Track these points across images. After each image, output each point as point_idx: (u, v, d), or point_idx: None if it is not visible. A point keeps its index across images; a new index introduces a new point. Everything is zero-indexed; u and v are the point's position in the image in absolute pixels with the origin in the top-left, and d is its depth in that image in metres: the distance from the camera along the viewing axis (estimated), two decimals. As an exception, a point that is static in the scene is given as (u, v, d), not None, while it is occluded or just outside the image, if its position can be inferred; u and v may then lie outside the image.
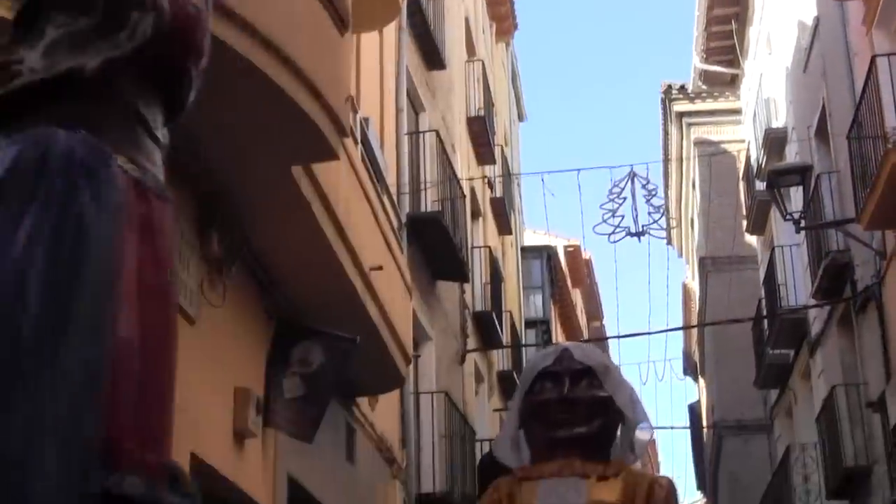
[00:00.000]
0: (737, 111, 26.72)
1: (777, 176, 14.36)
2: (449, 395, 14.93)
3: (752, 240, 25.27)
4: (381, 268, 8.78)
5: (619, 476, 3.39)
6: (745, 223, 23.87)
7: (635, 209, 14.54)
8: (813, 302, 17.05)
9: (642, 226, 14.48)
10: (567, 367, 3.46)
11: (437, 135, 15.44)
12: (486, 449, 17.35)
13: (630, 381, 3.69)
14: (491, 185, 22.17)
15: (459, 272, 15.88)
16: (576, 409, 3.40)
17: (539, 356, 3.67)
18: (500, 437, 3.67)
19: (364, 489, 10.96)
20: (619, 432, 3.56)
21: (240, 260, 6.98)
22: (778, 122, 20.46)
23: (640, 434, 3.58)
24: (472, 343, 18.29)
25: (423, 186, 14.95)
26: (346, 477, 10.13)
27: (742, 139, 25.65)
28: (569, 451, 3.39)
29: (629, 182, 14.53)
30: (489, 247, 20.48)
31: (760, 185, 19.59)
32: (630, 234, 14.44)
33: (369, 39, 12.08)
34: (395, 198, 13.01)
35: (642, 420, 3.58)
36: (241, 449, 7.07)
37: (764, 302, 20.70)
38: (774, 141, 19.86)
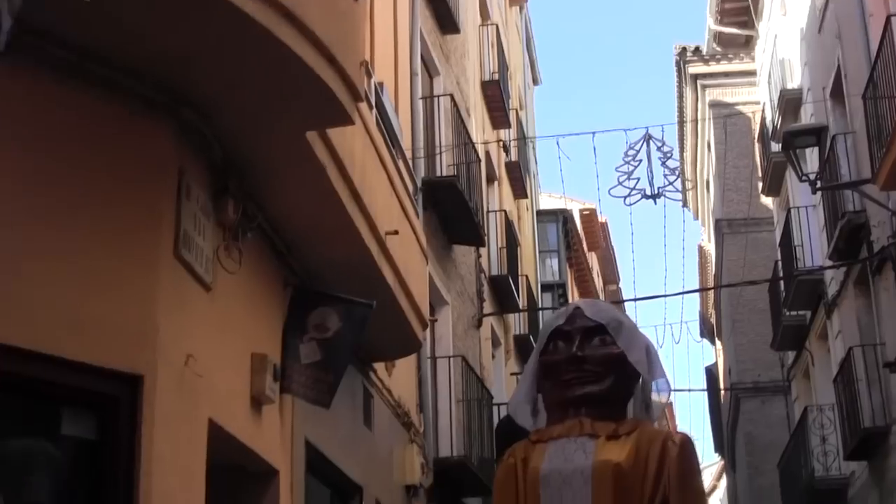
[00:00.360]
0: (751, 73, 26.57)
1: (792, 137, 14.27)
2: (465, 359, 14.95)
3: (767, 201, 25.19)
4: (396, 232, 8.76)
5: (631, 435, 3.27)
6: (760, 185, 23.78)
7: (651, 171, 14.45)
8: (829, 263, 17.00)
9: (658, 188, 14.41)
10: (578, 326, 3.38)
11: (452, 99, 15.39)
12: (504, 413, 17.41)
13: (647, 337, 3.56)
14: (506, 149, 22.10)
15: (475, 236, 15.85)
16: (586, 368, 3.32)
17: (553, 316, 3.56)
18: (517, 400, 3.55)
19: (382, 454, 11.00)
20: (637, 391, 3.47)
21: (255, 226, 6.98)
22: (793, 84, 20.34)
23: (657, 393, 3.48)
24: (488, 307, 18.29)
25: (437, 151, 14.91)
26: (363, 442, 10.17)
27: (757, 101, 25.51)
28: (580, 411, 3.32)
29: (644, 144, 14.44)
30: (504, 211, 20.44)
31: (776, 147, 19.49)
32: (645, 196, 14.38)
33: (383, 4, 12.02)
34: (410, 162, 12.98)
35: (659, 377, 3.46)
36: (258, 415, 7.10)
37: (780, 263, 20.64)
38: (789, 102, 19.75)
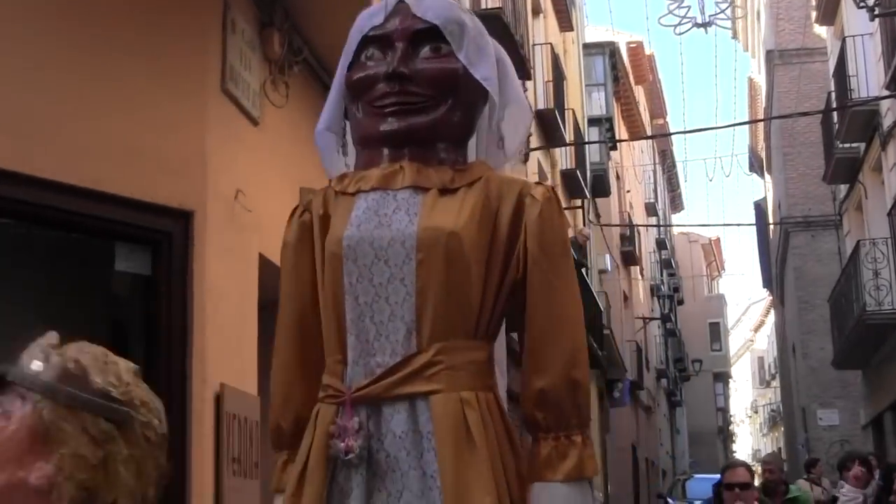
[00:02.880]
0: None
1: (850, -38, 13.84)
2: (513, 194, 14.89)
3: (821, 30, 24.63)
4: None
5: (473, 187, 2.34)
6: (814, 13, 23.22)
7: (702, -1, 14.16)
8: (886, 93, 16.65)
9: (709, 16, 14.12)
10: (401, 28, 2.39)
11: (497, -72, 15.02)
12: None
13: (499, 46, 2.52)
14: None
15: (521, 69, 15.63)
16: (411, 90, 2.34)
17: (367, 12, 2.49)
18: (319, 128, 2.56)
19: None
20: (482, 124, 2.50)
21: (301, 60, 6.87)
22: None
23: (511, 120, 2.51)
24: (534, 141, 18.17)
25: (483, -18, 14.61)
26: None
27: (812, -75, 24.73)
28: (401, 152, 2.36)
29: (696, -28, 14.08)
30: (550, 44, 20.14)
31: (832, -27, 18.96)
32: (696, 24, 14.11)
33: None
34: (455, -6, 12.72)
35: (513, 102, 2.51)
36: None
37: (834, 94, 20.28)
38: (847, -75, 19.14)
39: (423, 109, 2.35)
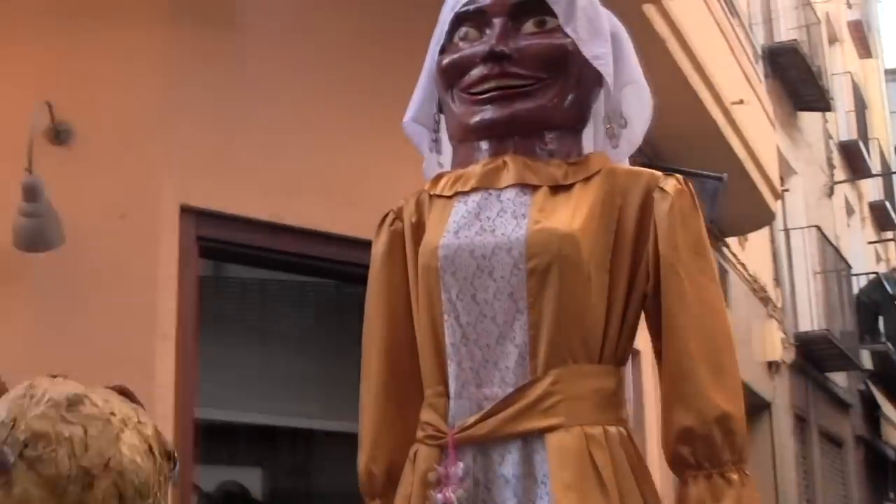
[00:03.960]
0: None
1: None
2: (820, 229, 14.41)
3: None
4: (742, 101, 8.46)
5: (591, 182, 1.96)
6: None
7: None
8: None
9: None
10: (499, 0, 2.00)
11: (787, -41, 14.68)
12: (863, 284, 16.72)
13: (615, 18, 2.13)
14: (849, 4, 20.99)
15: (821, 101, 15.15)
16: (513, 71, 1.97)
17: None
18: (407, 118, 2.16)
19: (740, 330, 10.79)
20: (598, 108, 2.10)
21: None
22: None
23: (630, 104, 2.11)
24: (839, 174, 17.54)
25: (775, 15, 14.29)
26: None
27: None
28: (504, 144, 1.99)
29: None
30: (850, 72, 19.44)
31: None
32: None
33: None
34: (748, 28, 12.50)
35: (631, 81, 2.10)
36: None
37: None
38: None
39: (529, 94, 1.96)
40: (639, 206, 1.93)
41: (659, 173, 1.98)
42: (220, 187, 4.47)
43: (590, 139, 2.09)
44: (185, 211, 4.35)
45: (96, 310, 4.11)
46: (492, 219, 1.92)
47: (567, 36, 1.98)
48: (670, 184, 1.93)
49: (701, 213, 1.96)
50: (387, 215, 2.09)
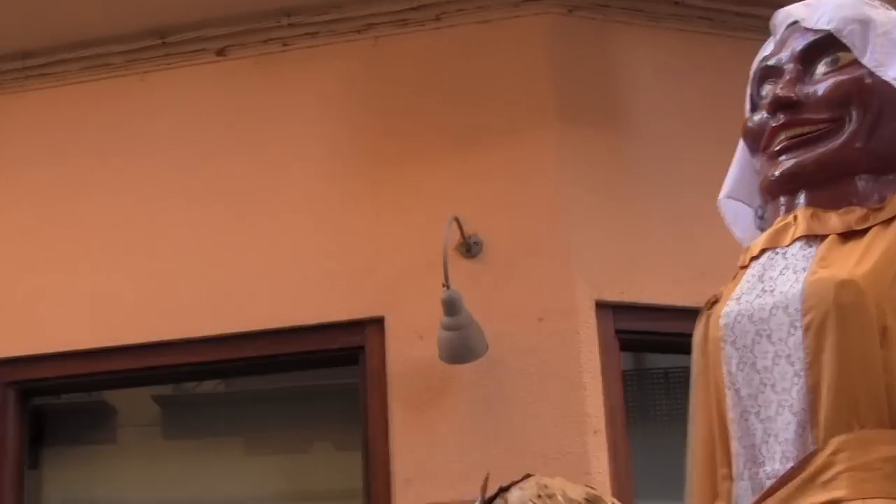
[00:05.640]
0: None
1: None
2: None
3: None
4: None
5: (893, 225, 1.65)
6: None
7: None
8: None
9: None
10: (790, 49, 1.81)
11: None
12: None
13: None
14: None
15: None
16: (803, 117, 1.75)
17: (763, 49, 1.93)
18: (722, 196, 1.97)
19: None
20: None
21: None
22: None
23: None
24: None
25: None
26: None
27: None
28: (795, 199, 1.77)
29: None
30: None
31: None
32: None
33: None
34: None
35: None
36: None
37: None
38: None
39: (818, 139, 1.73)
40: None
41: None
42: (630, 279, 4.49)
43: None
44: (601, 306, 4.39)
45: (526, 411, 4.18)
46: (774, 278, 1.70)
47: (863, 67, 1.73)
48: None
49: None
50: (708, 301, 1.87)
